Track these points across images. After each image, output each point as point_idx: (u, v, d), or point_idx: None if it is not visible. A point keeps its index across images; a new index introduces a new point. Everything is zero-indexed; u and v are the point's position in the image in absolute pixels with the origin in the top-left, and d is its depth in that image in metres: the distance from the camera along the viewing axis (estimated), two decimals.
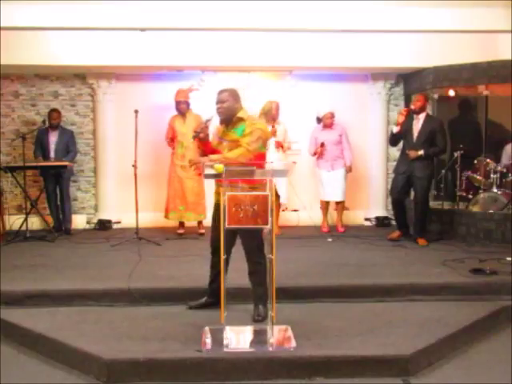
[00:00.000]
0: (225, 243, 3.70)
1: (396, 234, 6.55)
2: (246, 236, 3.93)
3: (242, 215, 3.50)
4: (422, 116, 6.31)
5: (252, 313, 4.00)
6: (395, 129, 6.35)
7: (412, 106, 6.35)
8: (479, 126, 7.67)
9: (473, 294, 4.61)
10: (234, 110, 3.97)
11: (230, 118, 3.99)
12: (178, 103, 6.82)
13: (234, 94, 3.99)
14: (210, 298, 4.19)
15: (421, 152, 6.18)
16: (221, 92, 3.99)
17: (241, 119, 3.98)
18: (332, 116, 7.11)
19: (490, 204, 6.61)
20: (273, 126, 6.82)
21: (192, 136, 4.04)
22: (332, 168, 7.15)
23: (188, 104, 6.87)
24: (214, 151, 4.04)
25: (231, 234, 3.88)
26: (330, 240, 6.65)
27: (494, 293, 4.62)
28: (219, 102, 3.97)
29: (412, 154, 6.21)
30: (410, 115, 6.35)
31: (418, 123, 6.30)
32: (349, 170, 7.27)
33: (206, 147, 4.04)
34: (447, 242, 6.44)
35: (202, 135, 3.96)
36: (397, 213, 6.59)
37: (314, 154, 7.19)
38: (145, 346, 3.56)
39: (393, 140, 6.57)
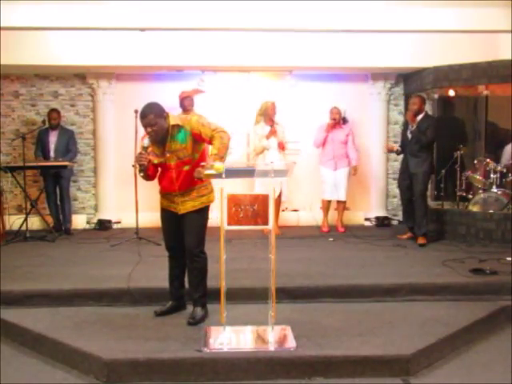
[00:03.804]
0: (173, 241, 4.02)
1: (406, 235, 6.60)
2: (189, 231, 3.93)
3: (242, 215, 3.51)
4: (420, 117, 6.33)
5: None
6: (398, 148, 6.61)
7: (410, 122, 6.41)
8: (479, 125, 7.67)
9: (473, 294, 4.61)
10: (165, 126, 3.82)
11: (165, 134, 3.85)
12: (183, 99, 6.80)
13: (157, 112, 3.78)
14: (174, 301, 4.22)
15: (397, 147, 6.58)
16: (144, 116, 3.77)
17: (175, 126, 3.85)
18: (338, 112, 7.09)
19: (490, 204, 6.61)
20: (272, 126, 6.82)
21: (139, 170, 3.89)
22: (336, 167, 7.13)
23: (193, 101, 6.88)
24: (156, 170, 3.99)
25: (175, 229, 3.97)
26: (331, 240, 6.65)
27: (494, 293, 4.62)
28: (148, 126, 3.77)
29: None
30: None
31: (414, 123, 6.32)
32: (354, 171, 7.25)
33: (149, 171, 3.94)
34: (447, 242, 6.44)
35: (146, 164, 3.85)
36: (404, 212, 6.70)
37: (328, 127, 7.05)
38: (145, 346, 3.56)
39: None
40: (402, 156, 6.68)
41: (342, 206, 7.34)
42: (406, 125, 6.56)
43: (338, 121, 7.09)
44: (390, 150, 6.80)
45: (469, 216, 6.59)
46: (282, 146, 6.85)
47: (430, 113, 7.48)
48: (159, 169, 3.99)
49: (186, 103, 6.81)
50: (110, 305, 4.42)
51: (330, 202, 7.35)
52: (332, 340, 3.66)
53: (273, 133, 6.80)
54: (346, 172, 7.20)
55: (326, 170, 7.19)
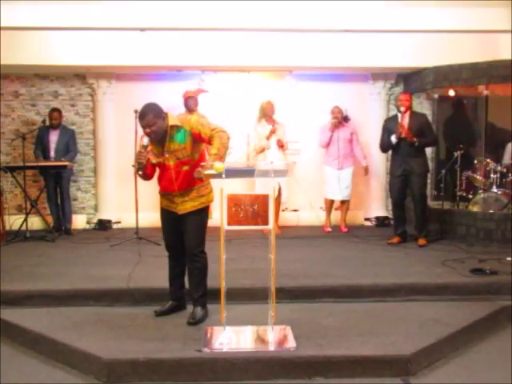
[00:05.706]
0: (173, 240, 4.02)
1: (395, 239, 6.45)
2: (189, 231, 3.93)
3: (242, 215, 3.51)
4: (408, 113, 6.27)
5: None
6: (395, 140, 6.22)
7: (402, 109, 6.23)
8: (479, 125, 7.67)
9: (473, 294, 4.61)
10: (164, 126, 3.81)
11: (163, 134, 3.84)
12: (188, 99, 6.80)
13: (156, 112, 3.77)
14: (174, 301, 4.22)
15: (415, 139, 6.09)
16: (143, 116, 3.76)
17: (174, 126, 3.83)
18: (339, 111, 7.10)
19: (490, 204, 6.61)
20: (273, 125, 6.83)
21: (137, 168, 3.88)
22: (342, 166, 7.13)
23: (197, 101, 6.88)
24: (154, 170, 3.99)
25: (175, 229, 3.97)
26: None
27: (494, 293, 4.63)
28: (146, 126, 3.75)
29: (406, 134, 6.07)
30: (394, 116, 6.47)
31: (403, 121, 6.22)
32: (366, 172, 7.26)
33: (147, 170, 3.94)
34: (447, 242, 6.43)
35: (145, 162, 3.85)
36: (397, 216, 6.51)
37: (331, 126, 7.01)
38: (145, 346, 3.56)
39: (388, 149, 6.51)
40: (389, 157, 6.56)
41: (345, 205, 7.33)
42: (392, 122, 6.37)
43: (340, 120, 7.10)
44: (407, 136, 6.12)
45: (469, 216, 6.58)
46: (280, 144, 6.85)
47: (429, 112, 7.50)
48: (157, 169, 3.99)
49: (190, 103, 6.81)
50: (110, 305, 4.41)
51: (333, 201, 7.34)
52: (332, 340, 3.66)
53: (273, 132, 6.81)
54: (351, 171, 7.21)
55: (330, 169, 7.17)
